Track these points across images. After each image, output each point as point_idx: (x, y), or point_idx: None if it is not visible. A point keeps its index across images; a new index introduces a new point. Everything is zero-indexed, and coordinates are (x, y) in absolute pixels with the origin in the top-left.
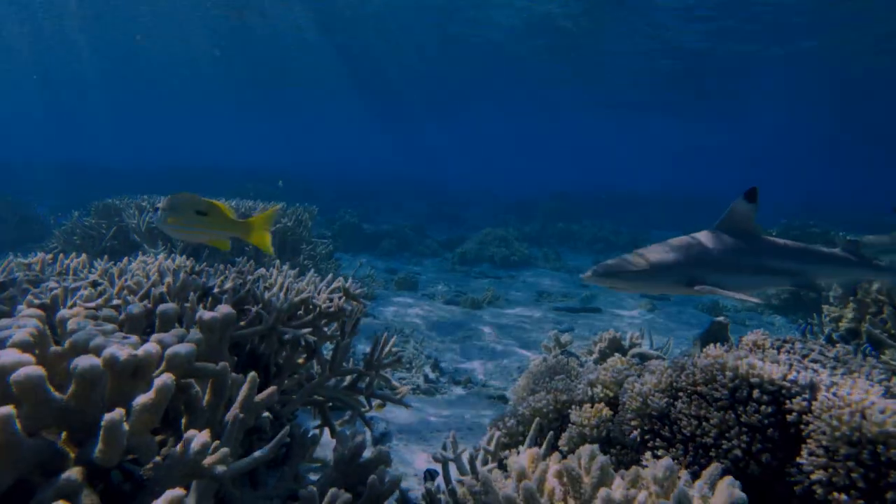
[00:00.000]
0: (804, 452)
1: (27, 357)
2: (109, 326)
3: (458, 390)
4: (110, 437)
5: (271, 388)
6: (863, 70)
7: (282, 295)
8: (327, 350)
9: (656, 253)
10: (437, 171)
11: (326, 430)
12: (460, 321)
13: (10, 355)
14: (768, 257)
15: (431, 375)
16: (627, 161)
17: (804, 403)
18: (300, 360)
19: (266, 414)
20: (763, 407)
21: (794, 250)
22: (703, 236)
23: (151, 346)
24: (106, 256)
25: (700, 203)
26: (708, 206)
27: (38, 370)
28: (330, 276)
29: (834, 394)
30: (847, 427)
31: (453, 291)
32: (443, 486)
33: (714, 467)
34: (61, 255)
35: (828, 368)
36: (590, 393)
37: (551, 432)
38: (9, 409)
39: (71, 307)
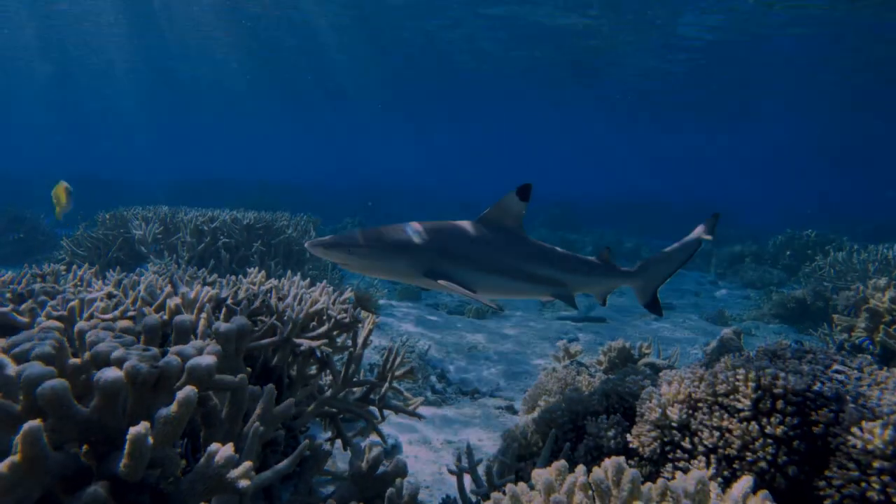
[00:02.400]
0: (833, 465)
1: (51, 369)
2: (129, 338)
3: (466, 401)
4: (135, 451)
5: (289, 401)
6: (873, 75)
7: (296, 306)
8: (338, 361)
9: (390, 232)
10: (446, 178)
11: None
12: (465, 331)
13: (36, 368)
14: (529, 261)
15: (438, 386)
16: (633, 169)
17: (831, 415)
18: (313, 372)
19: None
20: (788, 418)
21: (556, 257)
22: (459, 226)
23: (173, 359)
24: (119, 268)
25: (704, 211)
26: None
27: (63, 383)
28: (342, 286)
29: (863, 405)
30: (880, 440)
31: (457, 302)
32: (459, 500)
33: (745, 480)
34: (74, 267)
35: (852, 380)
36: (605, 403)
37: (567, 443)
38: (37, 423)
39: (88, 318)
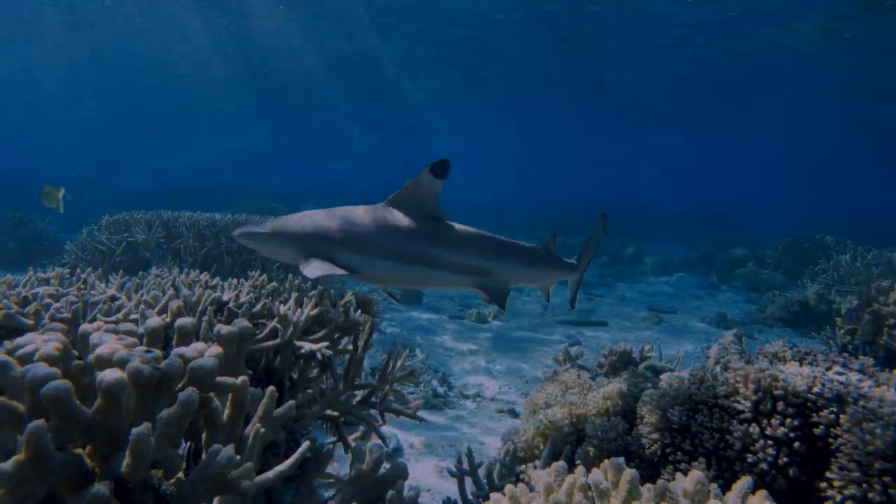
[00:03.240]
0: (834, 467)
1: (55, 371)
2: (131, 340)
3: (468, 404)
4: (138, 451)
5: (290, 403)
6: (878, 77)
7: (297, 309)
8: (339, 363)
9: (291, 219)
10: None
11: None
12: (467, 335)
13: (40, 369)
14: (441, 246)
15: (440, 390)
16: (637, 174)
17: (832, 416)
18: (313, 375)
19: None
20: (788, 420)
21: (483, 243)
22: (361, 210)
23: (175, 360)
24: (122, 271)
25: (709, 216)
26: (714, 219)
27: (67, 384)
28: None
29: (864, 407)
30: (882, 441)
31: (458, 306)
32: (460, 502)
33: (745, 481)
34: (78, 270)
35: (854, 381)
36: (605, 406)
37: (568, 446)
38: (42, 423)
39: (91, 321)
